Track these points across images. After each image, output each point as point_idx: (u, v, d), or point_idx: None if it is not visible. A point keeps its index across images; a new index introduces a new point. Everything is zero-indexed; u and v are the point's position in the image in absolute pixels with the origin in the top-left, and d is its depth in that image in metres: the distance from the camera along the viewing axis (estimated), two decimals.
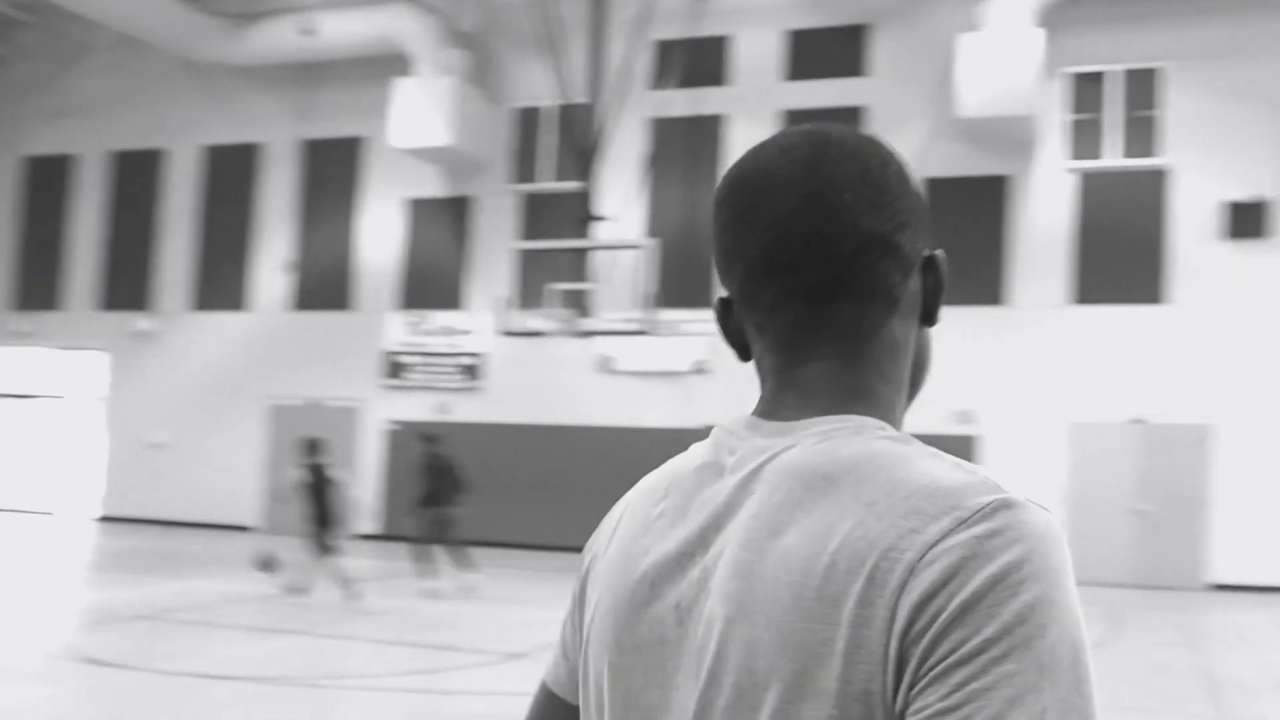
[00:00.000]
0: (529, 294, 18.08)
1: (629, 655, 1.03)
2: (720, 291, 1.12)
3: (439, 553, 13.48)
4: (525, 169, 19.50)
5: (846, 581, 0.88)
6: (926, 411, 17.49)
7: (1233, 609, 14.20)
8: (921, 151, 17.80)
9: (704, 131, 18.58)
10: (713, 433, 1.09)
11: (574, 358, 18.64)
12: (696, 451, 1.09)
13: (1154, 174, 16.86)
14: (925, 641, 0.84)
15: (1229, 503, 16.08)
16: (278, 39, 19.51)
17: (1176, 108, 16.80)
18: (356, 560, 16.15)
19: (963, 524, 0.87)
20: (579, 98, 17.64)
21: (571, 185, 18.05)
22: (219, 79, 20.93)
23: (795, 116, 18.14)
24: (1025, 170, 17.45)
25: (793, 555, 0.92)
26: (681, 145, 18.57)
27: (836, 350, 1.04)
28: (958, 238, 17.59)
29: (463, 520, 13.80)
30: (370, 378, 19.96)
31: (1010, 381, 17.21)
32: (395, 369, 19.77)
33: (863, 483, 0.92)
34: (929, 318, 1.09)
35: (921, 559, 0.86)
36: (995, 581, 0.84)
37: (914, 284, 1.07)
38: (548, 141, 19.32)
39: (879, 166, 1.06)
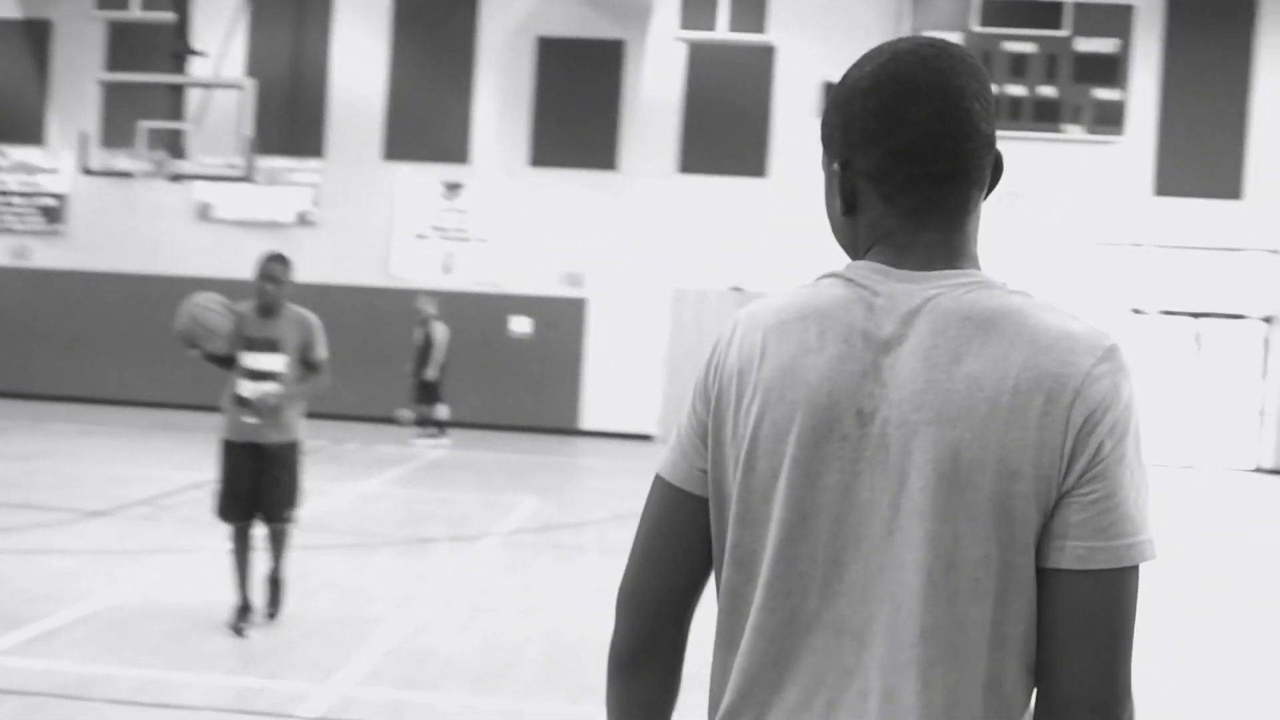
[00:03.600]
0: (117, 132, 16.75)
1: (810, 450, 1.30)
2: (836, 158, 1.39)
3: None
4: None
5: (1029, 397, 1.24)
6: (536, 273, 17.62)
7: None
8: (538, 11, 17.60)
9: None
10: (834, 277, 1.38)
11: (168, 203, 17.54)
12: (829, 290, 1.36)
13: (760, 50, 17.38)
14: (1091, 443, 1.24)
15: None
16: None
17: None
18: None
19: (1100, 360, 1.26)
20: None
21: (165, 16, 16.74)
22: None
23: None
24: (640, 37, 17.57)
25: (982, 377, 1.25)
26: None
27: (948, 223, 1.36)
28: (571, 100, 17.60)
29: None
30: None
31: (618, 247, 17.54)
32: None
33: (1019, 327, 1.27)
34: (987, 196, 1.42)
35: (1083, 382, 1.24)
36: (1127, 405, 1.26)
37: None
38: None
39: (985, 80, 1.36)
